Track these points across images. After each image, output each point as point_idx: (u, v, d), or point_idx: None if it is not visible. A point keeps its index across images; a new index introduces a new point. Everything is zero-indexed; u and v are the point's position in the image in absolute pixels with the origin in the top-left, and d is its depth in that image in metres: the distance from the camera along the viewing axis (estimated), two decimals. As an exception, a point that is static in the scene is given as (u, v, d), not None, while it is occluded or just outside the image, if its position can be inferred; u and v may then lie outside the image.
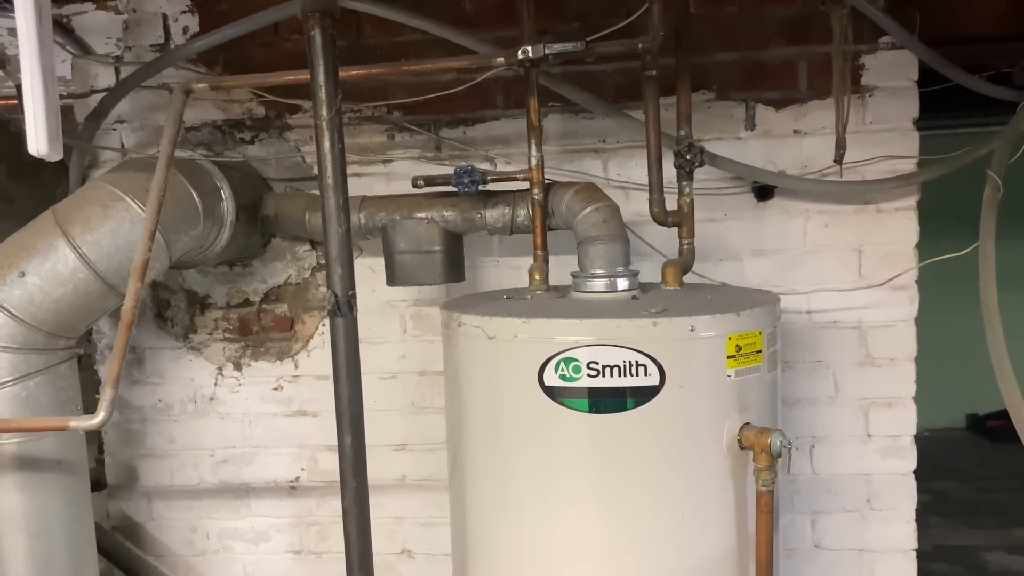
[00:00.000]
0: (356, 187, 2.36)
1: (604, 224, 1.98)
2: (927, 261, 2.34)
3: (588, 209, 2.02)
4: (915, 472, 2.41)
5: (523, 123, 2.10)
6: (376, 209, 2.23)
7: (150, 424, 2.61)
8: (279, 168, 2.49)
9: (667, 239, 2.20)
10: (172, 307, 2.57)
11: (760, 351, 1.74)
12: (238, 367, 2.58)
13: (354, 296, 1.71)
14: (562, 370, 1.65)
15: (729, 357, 1.69)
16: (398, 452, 2.55)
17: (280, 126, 2.48)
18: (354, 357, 1.72)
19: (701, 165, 2.05)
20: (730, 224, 2.38)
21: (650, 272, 2.17)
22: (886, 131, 2.31)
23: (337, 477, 1.79)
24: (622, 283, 1.90)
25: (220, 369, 2.58)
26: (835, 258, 2.36)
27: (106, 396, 1.63)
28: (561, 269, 2.13)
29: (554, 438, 1.70)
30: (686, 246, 2.10)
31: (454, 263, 2.25)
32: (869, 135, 2.30)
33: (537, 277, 2.02)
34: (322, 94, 1.63)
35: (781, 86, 2.34)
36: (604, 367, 1.63)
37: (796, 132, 2.34)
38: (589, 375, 1.64)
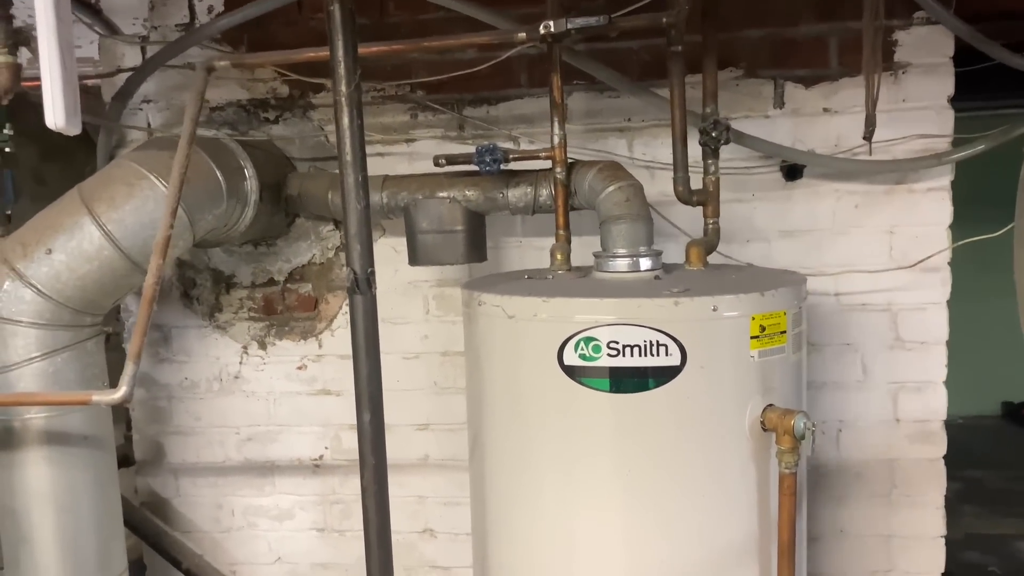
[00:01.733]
0: (379, 166, 2.36)
1: (627, 203, 1.96)
2: (960, 242, 2.28)
3: (611, 188, 2.00)
4: (946, 459, 2.37)
5: (547, 102, 2.06)
6: (398, 188, 2.23)
7: (176, 402, 2.64)
8: (303, 148, 2.49)
9: (693, 219, 2.17)
10: (198, 286, 2.59)
11: (784, 332, 1.71)
12: (263, 346, 2.59)
13: (373, 273, 1.70)
14: (582, 349, 1.63)
15: (752, 338, 1.66)
16: (421, 432, 2.55)
17: (304, 105, 2.48)
18: (373, 334, 1.72)
19: (727, 143, 2.02)
20: (758, 204, 2.35)
21: (675, 253, 2.14)
22: (919, 109, 2.25)
23: (360, 456, 1.80)
24: (645, 263, 1.88)
25: (245, 348, 2.60)
26: (865, 239, 2.32)
27: (127, 371, 1.63)
28: (585, 249, 2.11)
29: (574, 418, 1.69)
30: (711, 226, 2.07)
31: (476, 243, 2.23)
32: (902, 113, 2.25)
33: (559, 257, 2.00)
34: (341, 69, 1.62)
35: (811, 63, 2.29)
36: (625, 347, 1.61)
37: (826, 110, 2.29)
38: (609, 355, 1.62)
